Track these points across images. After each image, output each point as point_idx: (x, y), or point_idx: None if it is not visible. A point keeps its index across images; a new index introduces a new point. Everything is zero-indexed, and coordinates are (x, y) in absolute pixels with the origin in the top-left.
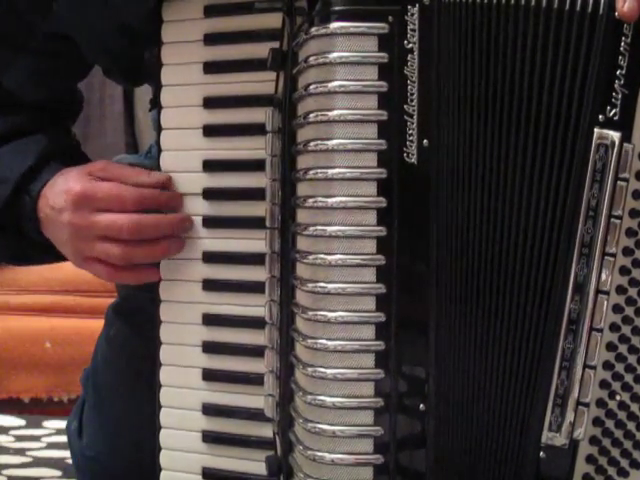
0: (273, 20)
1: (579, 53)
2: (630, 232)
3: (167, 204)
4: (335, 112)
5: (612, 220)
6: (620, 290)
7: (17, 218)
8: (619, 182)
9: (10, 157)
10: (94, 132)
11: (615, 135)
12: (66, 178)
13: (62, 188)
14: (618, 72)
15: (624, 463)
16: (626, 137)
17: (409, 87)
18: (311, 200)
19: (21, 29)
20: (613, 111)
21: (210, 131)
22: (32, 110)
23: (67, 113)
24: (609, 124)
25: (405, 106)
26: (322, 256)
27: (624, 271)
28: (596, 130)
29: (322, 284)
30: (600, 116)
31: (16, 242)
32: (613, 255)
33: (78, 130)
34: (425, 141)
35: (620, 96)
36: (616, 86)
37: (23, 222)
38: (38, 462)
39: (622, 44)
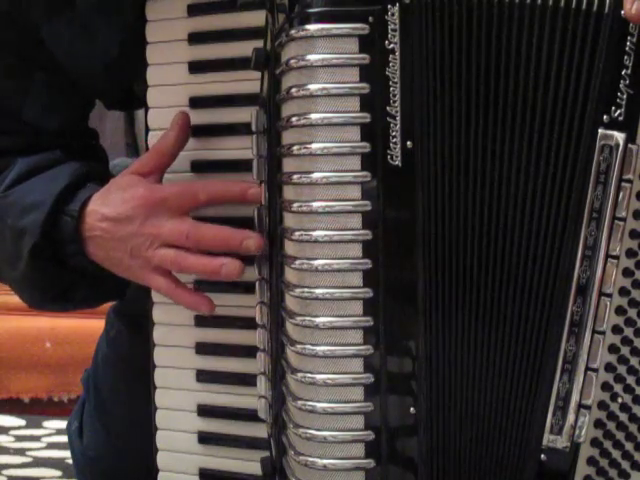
0: (257, 18)
1: (583, 52)
2: (634, 234)
3: (243, 195)
4: (317, 115)
5: (616, 222)
6: (623, 292)
7: (56, 245)
8: (623, 183)
9: (43, 182)
10: None
11: (619, 136)
12: (121, 187)
13: (123, 197)
14: (623, 72)
15: (625, 465)
16: (631, 138)
17: (391, 88)
18: (296, 204)
19: (33, 44)
20: (618, 111)
21: (197, 132)
22: (60, 148)
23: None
24: (614, 125)
25: (388, 108)
26: (308, 261)
27: (627, 273)
28: (600, 131)
29: (309, 289)
30: (604, 116)
31: (56, 274)
32: (616, 257)
33: None
34: (409, 143)
35: (625, 96)
36: (621, 86)
37: (64, 247)
38: (38, 462)
39: (628, 43)
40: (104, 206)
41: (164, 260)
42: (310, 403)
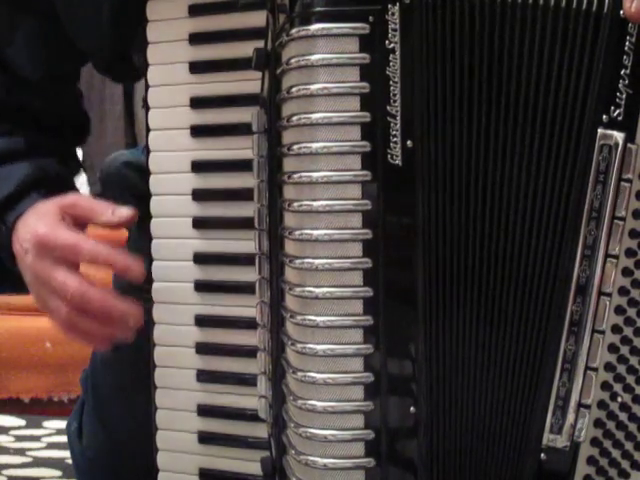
0: (258, 18)
1: (583, 52)
2: (633, 233)
3: (120, 270)
4: (318, 115)
5: (615, 221)
6: (622, 291)
7: None
8: (622, 183)
9: None
10: (94, 132)
11: (619, 136)
12: (37, 215)
13: (31, 227)
14: (622, 72)
15: (625, 464)
16: (630, 137)
17: (391, 88)
18: (296, 204)
19: None
20: (617, 111)
21: (198, 131)
22: (31, 125)
23: (71, 129)
24: (613, 124)
25: (388, 107)
26: (309, 260)
27: (627, 273)
28: (599, 130)
29: (309, 289)
30: (604, 116)
31: None
32: (616, 257)
33: None
34: (409, 142)
35: (624, 96)
36: (620, 86)
37: (1, 252)
38: (38, 462)
39: (627, 43)
40: (23, 227)
41: (58, 313)
42: (310, 402)
